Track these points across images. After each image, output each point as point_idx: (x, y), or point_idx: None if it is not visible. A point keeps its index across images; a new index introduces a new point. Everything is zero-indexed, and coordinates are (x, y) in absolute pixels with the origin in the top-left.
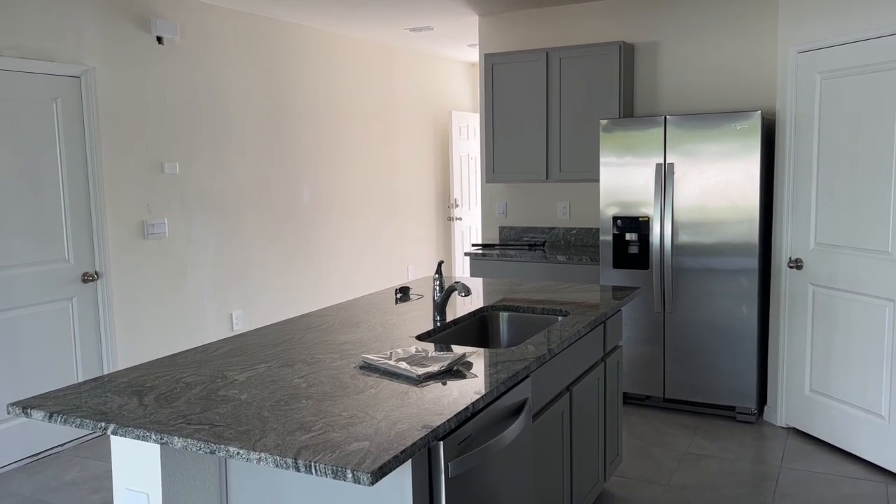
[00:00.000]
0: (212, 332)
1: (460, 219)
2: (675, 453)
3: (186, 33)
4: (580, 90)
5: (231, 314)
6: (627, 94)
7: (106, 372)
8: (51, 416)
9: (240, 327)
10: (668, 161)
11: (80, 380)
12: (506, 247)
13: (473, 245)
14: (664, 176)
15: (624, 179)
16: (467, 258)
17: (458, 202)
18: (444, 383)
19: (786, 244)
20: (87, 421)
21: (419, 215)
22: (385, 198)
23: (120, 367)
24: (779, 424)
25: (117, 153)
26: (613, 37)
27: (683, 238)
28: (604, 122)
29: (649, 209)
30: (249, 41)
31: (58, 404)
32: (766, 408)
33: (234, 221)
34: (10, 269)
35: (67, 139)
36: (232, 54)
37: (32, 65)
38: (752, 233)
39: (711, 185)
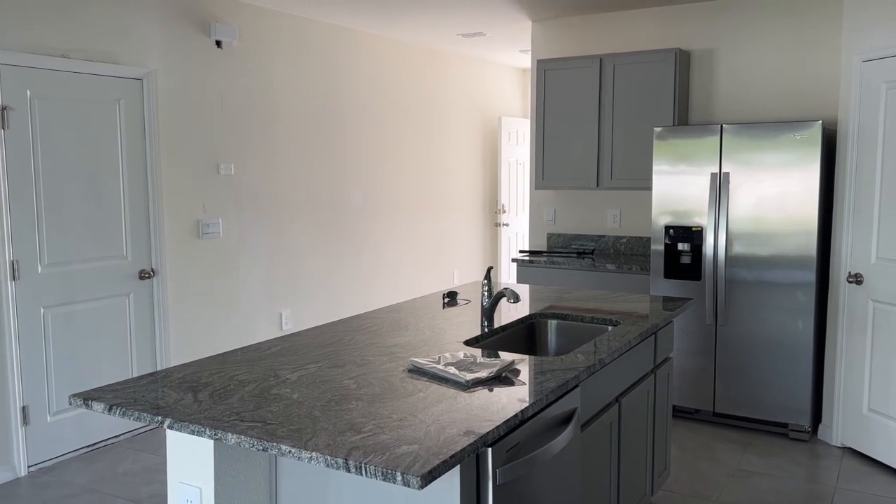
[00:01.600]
0: (262, 330)
1: (507, 225)
2: (725, 469)
3: (244, 37)
4: (633, 97)
5: (280, 313)
6: (682, 102)
7: (159, 366)
8: (110, 409)
9: (289, 327)
10: (723, 170)
11: (135, 373)
12: (554, 254)
13: (521, 251)
14: (719, 185)
15: (677, 188)
16: (514, 264)
17: (506, 208)
18: (493, 390)
19: (845, 258)
20: (145, 414)
21: (466, 220)
22: (432, 202)
23: (172, 363)
24: (834, 443)
25: (175, 154)
26: (668, 44)
27: (738, 249)
28: (658, 129)
29: (703, 219)
30: (303, 45)
31: (117, 397)
32: (820, 426)
33: (284, 222)
34: (72, 264)
35: (128, 139)
36: (286, 58)
37: (98, 67)
38: (810, 245)
39: (768, 196)
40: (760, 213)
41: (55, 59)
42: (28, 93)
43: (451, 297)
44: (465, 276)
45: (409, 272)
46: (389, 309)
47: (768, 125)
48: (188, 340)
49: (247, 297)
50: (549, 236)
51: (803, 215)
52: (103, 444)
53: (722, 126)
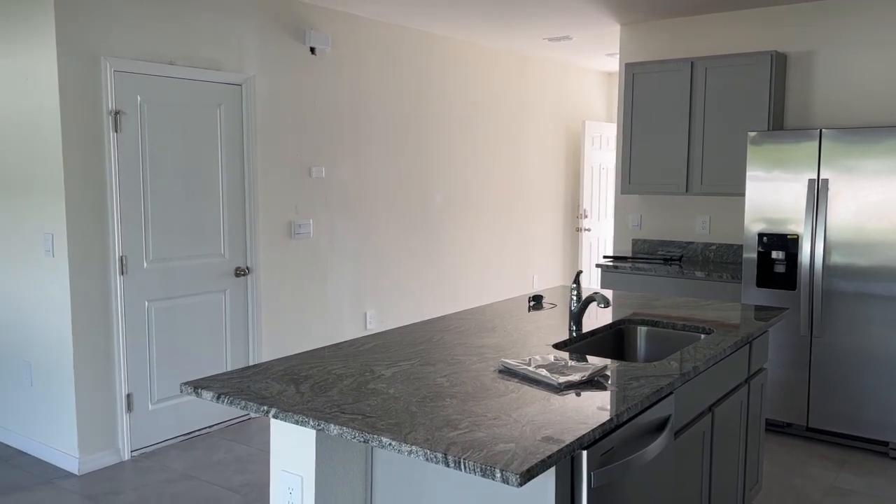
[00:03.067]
0: (347, 329)
1: (589, 230)
2: (819, 486)
3: (336, 44)
4: (726, 101)
5: (365, 313)
6: (777, 106)
7: (251, 360)
8: (219, 397)
9: (372, 326)
10: (822, 176)
11: (229, 366)
12: (639, 260)
13: (605, 257)
14: (817, 192)
15: (772, 194)
16: (597, 270)
17: (588, 213)
18: (585, 393)
19: None
20: (252, 404)
21: (547, 225)
22: (515, 206)
23: (264, 357)
24: None
25: (270, 156)
26: (763, 46)
27: (836, 258)
28: (752, 134)
29: (798, 226)
30: (393, 51)
31: (224, 387)
32: None
33: (370, 224)
34: (174, 260)
35: (228, 143)
36: (376, 64)
37: (201, 73)
38: None
39: (871, 204)
40: (862, 221)
41: (163, 66)
42: (138, 98)
43: (536, 301)
44: (545, 281)
45: (489, 276)
46: (475, 311)
47: (872, 130)
48: (279, 336)
49: (333, 296)
50: (635, 242)
51: None
52: (198, 433)
53: (821, 131)
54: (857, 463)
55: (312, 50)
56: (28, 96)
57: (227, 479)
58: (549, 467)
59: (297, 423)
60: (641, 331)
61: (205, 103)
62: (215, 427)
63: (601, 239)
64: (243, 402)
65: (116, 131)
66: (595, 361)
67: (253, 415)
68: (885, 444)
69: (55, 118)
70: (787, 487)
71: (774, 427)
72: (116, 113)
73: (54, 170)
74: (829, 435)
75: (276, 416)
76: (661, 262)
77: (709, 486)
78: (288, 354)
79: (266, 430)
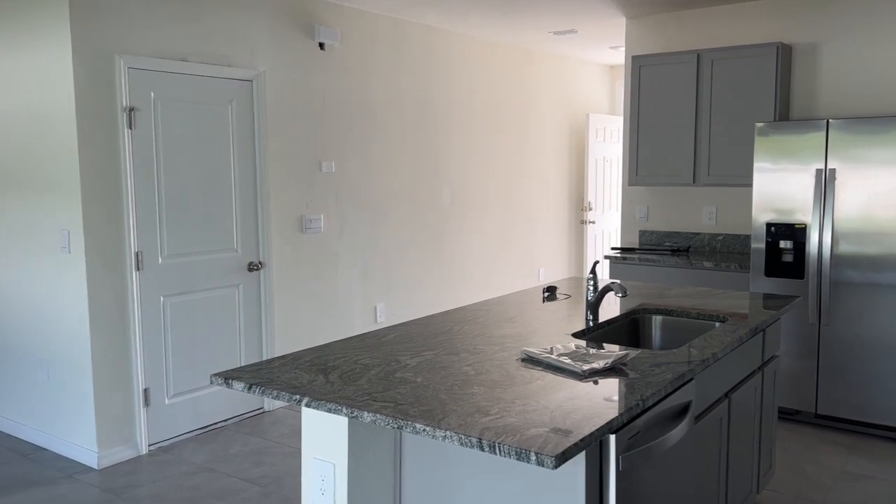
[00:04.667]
0: (357, 322)
1: (593, 222)
2: (830, 471)
3: (345, 39)
4: (732, 92)
5: (375, 307)
6: (783, 97)
7: (265, 354)
8: (250, 388)
9: (383, 320)
10: (829, 166)
11: (243, 360)
12: (647, 251)
13: (613, 248)
14: (824, 182)
15: (779, 185)
16: (605, 261)
17: (592, 205)
18: (609, 380)
19: None
20: (284, 393)
21: (552, 218)
22: (519, 200)
23: (277, 351)
24: None
25: (281, 152)
26: (769, 37)
27: (844, 248)
28: (759, 125)
29: (806, 216)
30: (401, 46)
31: (254, 377)
32: None
33: (380, 218)
34: (189, 255)
35: (239, 138)
36: (384, 58)
37: (213, 69)
38: None
39: (878, 193)
40: (870, 210)
41: (176, 63)
42: (152, 94)
43: (550, 292)
44: (551, 273)
45: (496, 269)
46: (491, 302)
47: (879, 119)
48: (291, 329)
49: (344, 289)
50: (642, 233)
51: None
52: (214, 426)
53: (828, 121)
54: (867, 448)
55: (321, 45)
56: (43, 94)
57: (245, 471)
58: (583, 450)
59: (329, 411)
60: (656, 320)
61: (217, 99)
62: (231, 421)
63: (606, 231)
64: (276, 392)
65: (131, 128)
66: (615, 349)
67: (283, 403)
68: (894, 429)
69: (70, 115)
70: (799, 472)
71: (784, 414)
72: (131, 110)
73: (70, 167)
74: (838, 421)
75: (308, 405)
76: (669, 252)
77: (726, 471)
78: (300, 348)
79: (280, 423)
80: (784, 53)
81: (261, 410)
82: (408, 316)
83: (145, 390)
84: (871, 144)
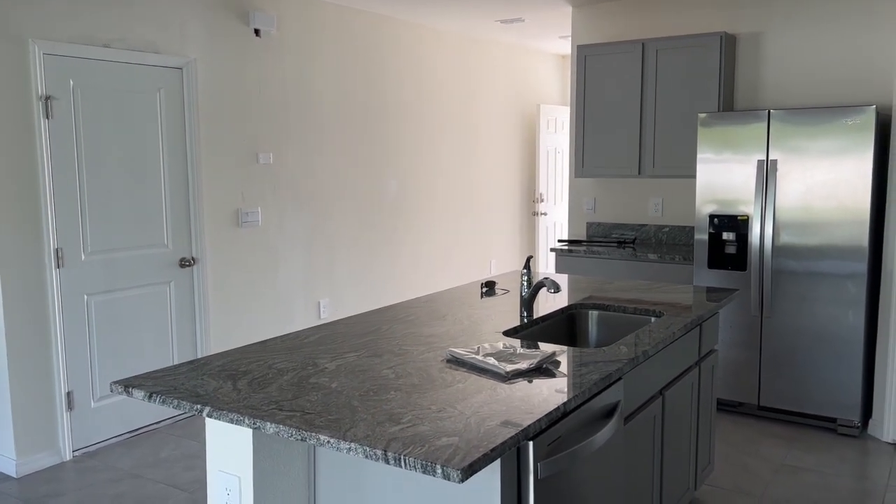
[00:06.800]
0: (299, 319)
1: (545, 214)
2: (770, 464)
3: (282, 26)
4: (677, 83)
5: (319, 302)
6: (727, 88)
7: (199, 353)
8: (150, 396)
9: (326, 315)
10: (770, 157)
11: (176, 360)
12: (594, 243)
13: (560, 241)
14: (766, 173)
15: (722, 176)
16: (552, 254)
17: (544, 197)
18: (533, 381)
19: None
20: (185, 402)
21: (503, 210)
22: (469, 191)
23: (212, 350)
24: (885, 440)
25: (214, 143)
26: (713, 27)
27: (785, 239)
28: (702, 115)
29: (749, 208)
30: (341, 34)
31: (157, 385)
32: (870, 421)
33: (323, 211)
34: (115, 252)
35: (169, 129)
36: (323, 46)
37: (139, 56)
38: (862, 235)
39: (818, 184)
40: (810, 201)
41: (98, 49)
42: (71, 82)
43: (489, 287)
44: (502, 265)
45: (446, 262)
46: (427, 299)
47: (819, 110)
48: (228, 328)
49: (285, 285)
50: (589, 225)
51: (855, 204)
52: (145, 430)
53: (769, 112)
54: (807, 440)
55: (257, 32)
56: None
57: (175, 476)
58: (493, 461)
59: (231, 421)
60: (593, 315)
61: (143, 88)
62: (162, 423)
63: (557, 223)
64: (176, 401)
65: (48, 117)
66: (545, 348)
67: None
68: (833, 420)
69: None
70: (740, 466)
71: (727, 406)
72: (47, 98)
73: None
74: (780, 413)
75: (210, 416)
76: (616, 245)
77: (660, 470)
78: (237, 347)
79: None
80: (728, 43)
81: (196, 413)
82: (354, 311)
83: (69, 393)
84: (810, 135)
